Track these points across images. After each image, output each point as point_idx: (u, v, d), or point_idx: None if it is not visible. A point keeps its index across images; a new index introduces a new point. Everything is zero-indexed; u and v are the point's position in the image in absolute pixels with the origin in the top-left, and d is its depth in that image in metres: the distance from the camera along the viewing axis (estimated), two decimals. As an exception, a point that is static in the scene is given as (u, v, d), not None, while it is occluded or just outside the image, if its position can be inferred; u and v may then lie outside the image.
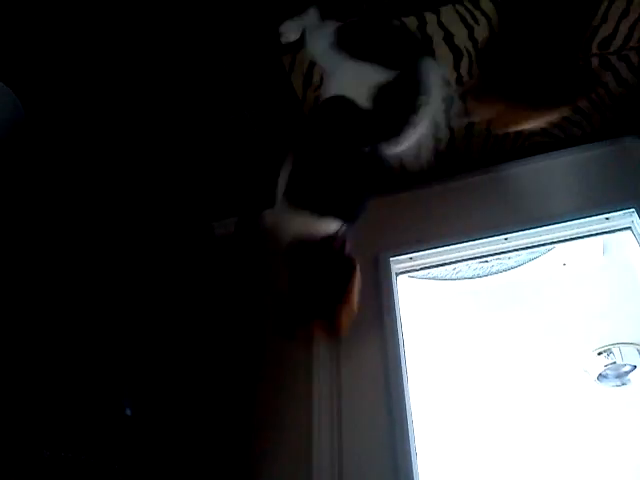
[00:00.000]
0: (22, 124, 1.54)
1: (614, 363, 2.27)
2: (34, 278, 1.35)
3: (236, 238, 2.03)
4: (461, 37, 1.54)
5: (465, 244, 1.81)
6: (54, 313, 1.33)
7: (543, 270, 2.16)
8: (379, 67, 1.25)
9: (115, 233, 1.65)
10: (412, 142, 1.29)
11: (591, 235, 1.76)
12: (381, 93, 1.23)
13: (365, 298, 1.27)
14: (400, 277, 1.86)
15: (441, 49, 1.57)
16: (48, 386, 1.21)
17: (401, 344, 1.64)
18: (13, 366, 1.17)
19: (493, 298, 2.31)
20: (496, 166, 1.93)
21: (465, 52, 1.58)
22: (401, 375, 1.57)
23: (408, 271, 1.88)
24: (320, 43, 1.39)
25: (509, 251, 1.81)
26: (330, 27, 1.37)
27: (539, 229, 1.76)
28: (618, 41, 1.54)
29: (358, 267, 1.25)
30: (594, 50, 1.57)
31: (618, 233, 1.75)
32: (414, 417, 1.54)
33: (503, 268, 2.14)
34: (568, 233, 1.75)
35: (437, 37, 1.54)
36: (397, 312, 1.71)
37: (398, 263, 1.85)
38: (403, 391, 1.54)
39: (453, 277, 2.16)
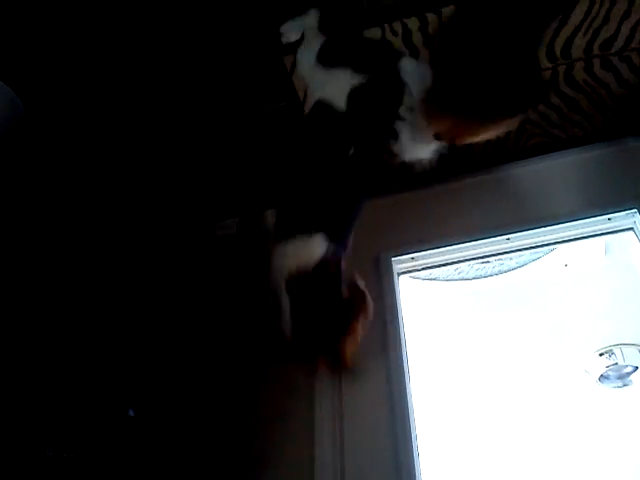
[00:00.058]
0: (22, 123, 1.54)
1: (616, 364, 2.27)
2: (35, 278, 1.35)
3: (238, 239, 2.03)
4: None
5: (467, 244, 1.80)
6: (57, 314, 1.33)
7: (545, 271, 2.16)
8: (351, 71, 1.29)
9: (116, 234, 1.65)
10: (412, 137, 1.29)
11: (593, 235, 1.76)
12: (354, 94, 1.27)
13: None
14: (402, 277, 1.86)
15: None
16: (51, 387, 1.21)
17: (403, 344, 1.64)
18: (15, 367, 1.17)
19: (495, 299, 2.31)
20: (498, 166, 1.93)
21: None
22: (403, 374, 1.57)
23: (410, 271, 1.87)
24: (307, 61, 1.42)
25: (511, 251, 1.81)
26: (316, 45, 1.41)
27: (541, 229, 1.75)
28: (620, 42, 1.55)
29: (369, 300, 1.22)
30: (595, 51, 1.57)
31: (620, 234, 1.74)
32: (416, 417, 1.54)
33: (505, 269, 2.14)
34: (570, 233, 1.75)
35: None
36: (399, 312, 1.70)
37: (400, 263, 1.85)
38: (405, 390, 1.54)
39: (455, 278, 2.16)
